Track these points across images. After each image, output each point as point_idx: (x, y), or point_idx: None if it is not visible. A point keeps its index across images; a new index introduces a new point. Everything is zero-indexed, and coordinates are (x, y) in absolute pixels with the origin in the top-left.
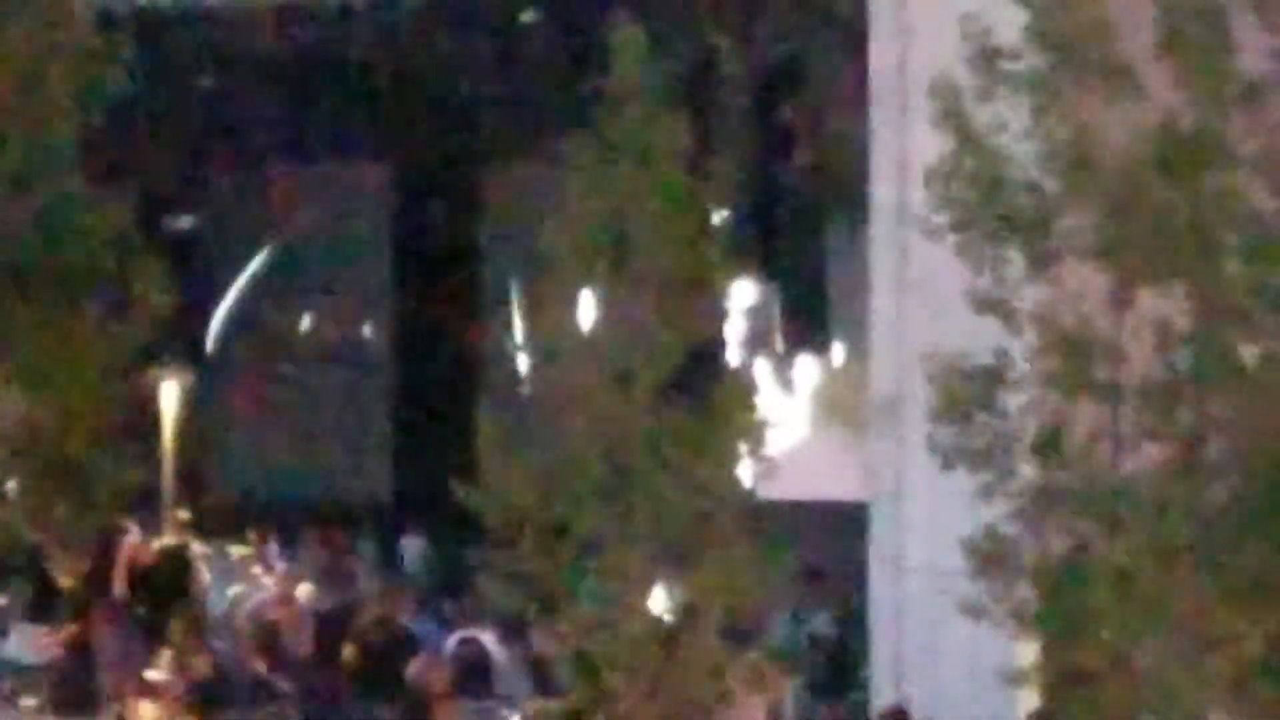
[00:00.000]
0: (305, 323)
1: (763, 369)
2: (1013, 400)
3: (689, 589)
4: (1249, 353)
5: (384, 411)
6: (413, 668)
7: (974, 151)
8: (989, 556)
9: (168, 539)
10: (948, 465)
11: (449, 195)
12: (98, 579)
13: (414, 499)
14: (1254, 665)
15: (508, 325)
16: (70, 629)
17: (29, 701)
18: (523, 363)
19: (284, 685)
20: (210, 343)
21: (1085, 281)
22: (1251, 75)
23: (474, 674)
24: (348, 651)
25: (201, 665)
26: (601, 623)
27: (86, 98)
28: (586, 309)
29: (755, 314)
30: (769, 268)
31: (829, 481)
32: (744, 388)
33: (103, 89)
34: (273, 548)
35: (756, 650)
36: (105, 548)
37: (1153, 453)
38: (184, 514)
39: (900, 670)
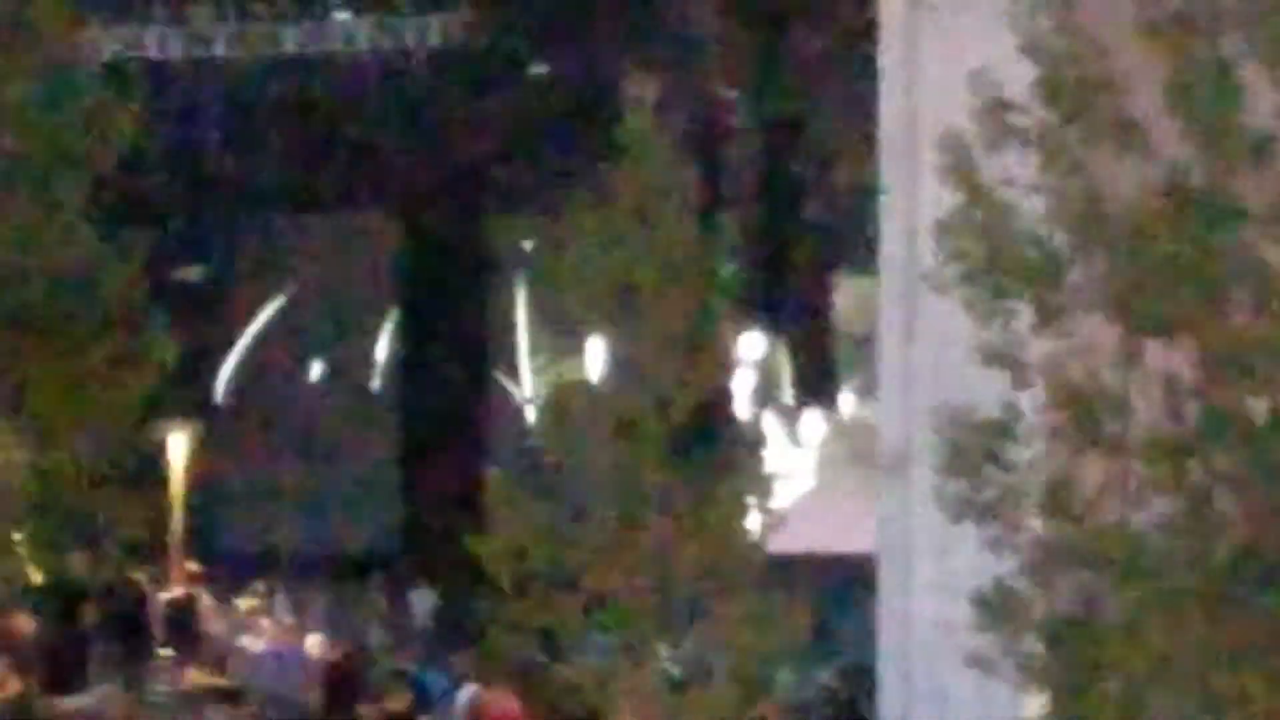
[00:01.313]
0: (314, 373)
1: (771, 422)
2: (1021, 454)
3: (698, 641)
4: (1257, 407)
5: (392, 461)
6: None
7: (982, 205)
8: (997, 609)
9: (176, 590)
10: (956, 518)
11: (456, 246)
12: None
13: (422, 550)
14: (1262, 717)
15: (517, 376)
16: None
17: None
18: (530, 414)
19: None
20: (219, 393)
21: (1093, 335)
22: (1260, 130)
23: None
24: (363, 709)
25: None
26: (610, 675)
27: (96, 148)
28: (594, 361)
29: (763, 367)
30: (777, 320)
31: (837, 534)
32: (752, 440)
33: (112, 140)
34: (280, 599)
35: (766, 702)
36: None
37: (1161, 507)
38: (193, 566)
39: None
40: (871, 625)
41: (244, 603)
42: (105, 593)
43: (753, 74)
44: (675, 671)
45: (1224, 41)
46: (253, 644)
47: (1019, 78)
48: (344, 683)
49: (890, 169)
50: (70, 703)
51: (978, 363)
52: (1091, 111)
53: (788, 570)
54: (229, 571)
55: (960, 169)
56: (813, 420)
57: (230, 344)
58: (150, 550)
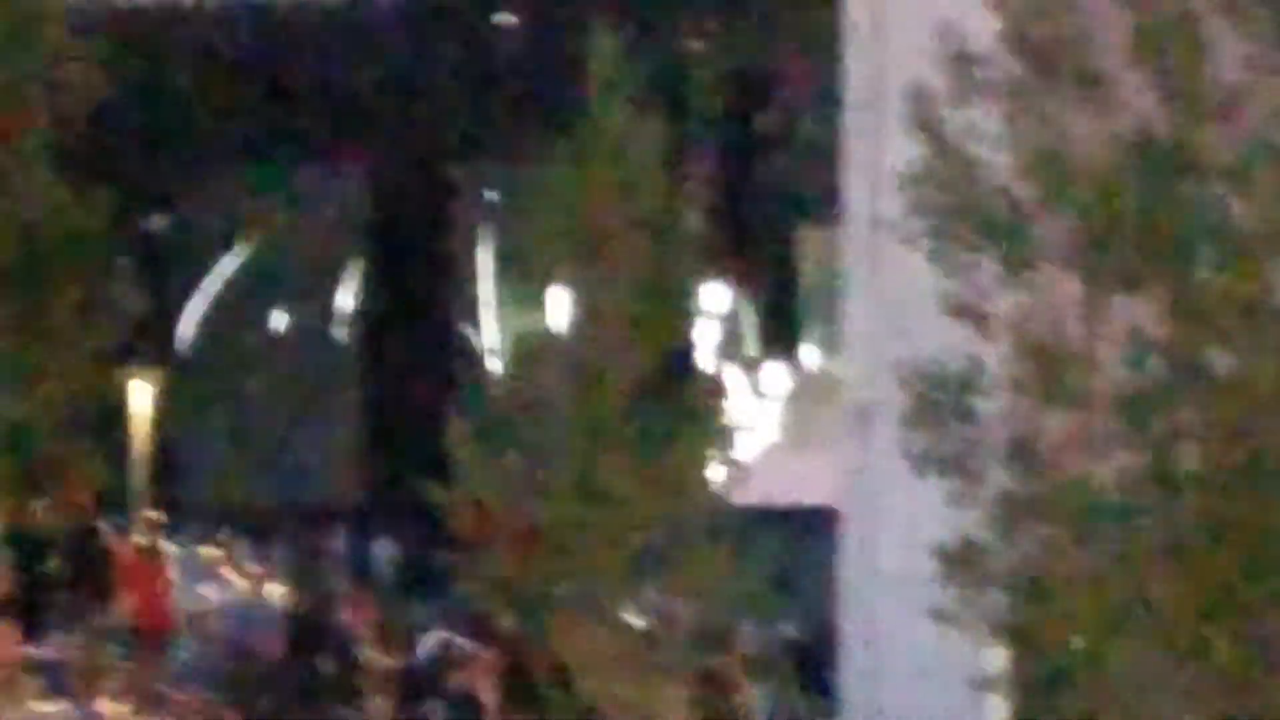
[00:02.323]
0: (277, 324)
1: (734, 374)
2: (985, 407)
3: (660, 593)
4: (1221, 361)
5: (355, 412)
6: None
7: (948, 158)
8: (960, 563)
9: (139, 539)
10: (920, 472)
11: (422, 197)
12: (74, 576)
13: (385, 501)
14: (1225, 674)
15: (480, 326)
16: None
17: None
18: (495, 364)
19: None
20: (182, 343)
21: (1058, 289)
22: (1226, 84)
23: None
24: (323, 658)
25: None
26: (572, 626)
27: (61, 99)
28: (558, 312)
29: (727, 319)
30: (741, 272)
31: (800, 487)
32: (715, 393)
33: (78, 90)
34: (243, 549)
35: (728, 655)
36: (79, 545)
37: (1124, 461)
38: (157, 515)
39: (871, 677)
40: (834, 578)
41: (206, 552)
42: (67, 541)
43: (718, 26)
44: (637, 623)
45: None
46: (215, 594)
47: (985, 30)
48: (306, 633)
49: (855, 121)
50: (30, 652)
51: (942, 316)
52: (1058, 65)
53: (750, 522)
54: (191, 521)
55: (926, 121)
56: (776, 373)
57: (194, 294)
58: (113, 500)
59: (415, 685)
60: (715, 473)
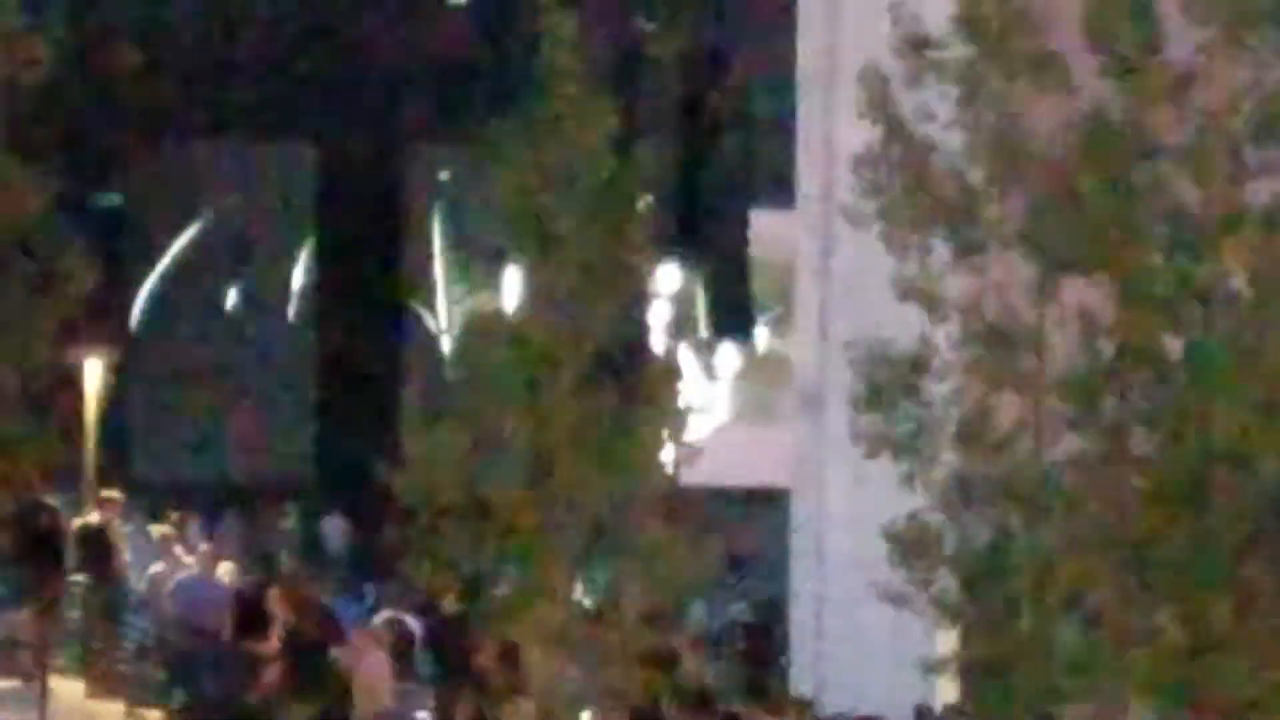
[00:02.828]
0: (229, 301)
1: (686, 355)
2: (936, 389)
3: (610, 573)
4: (1171, 344)
5: (307, 392)
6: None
7: (901, 140)
8: (910, 544)
9: (91, 516)
10: (871, 453)
11: (374, 175)
12: (20, 551)
13: (336, 479)
14: (1172, 655)
15: (431, 306)
16: None
17: None
18: (446, 343)
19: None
20: (135, 320)
21: (1010, 271)
22: (1178, 68)
23: (397, 655)
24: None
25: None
26: (523, 605)
27: (13, 73)
28: (511, 292)
29: (679, 299)
30: (694, 253)
31: (751, 468)
32: (668, 373)
33: (27, 65)
34: (194, 526)
35: (678, 634)
36: (29, 521)
37: (1074, 443)
38: (113, 493)
39: (820, 657)
40: (785, 559)
41: (157, 530)
42: (19, 518)
43: (671, 6)
44: (587, 602)
45: None
46: (166, 571)
47: (938, 13)
48: (255, 611)
49: (808, 103)
50: None
51: (894, 298)
52: (1011, 47)
53: (701, 502)
54: (143, 498)
55: (879, 103)
56: (728, 354)
57: (146, 271)
58: (64, 476)
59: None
60: (666, 453)
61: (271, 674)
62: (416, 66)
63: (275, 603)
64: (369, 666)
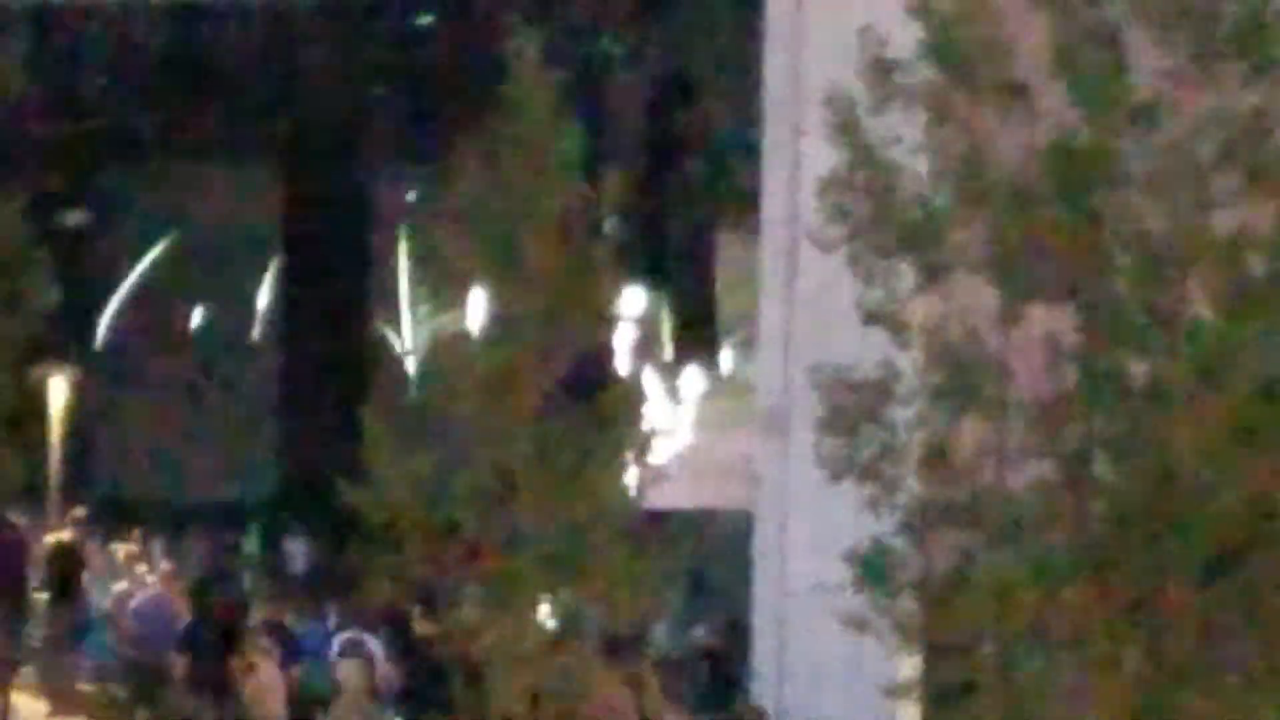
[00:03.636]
0: (194, 321)
1: (651, 377)
2: (900, 414)
3: (573, 595)
4: (1136, 371)
5: (270, 411)
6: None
7: (867, 164)
8: (873, 569)
9: (61, 534)
10: (834, 477)
11: (339, 196)
12: None
13: (298, 499)
14: (1134, 682)
15: (395, 326)
16: None
17: None
18: (410, 364)
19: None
20: (99, 339)
21: (975, 297)
22: (1144, 95)
23: None
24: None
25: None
26: (484, 627)
27: None
28: (475, 312)
29: (644, 322)
30: (658, 276)
31: (714, 490)
32: (631, 395)
33: None
34: (157, 545)
35: (639, 658)
36: None
37: (1038, 469)
38: (79, 512)
39: (782, 681)
40: (748, 582)
41: (122, 548)
42: None
43: (638, 30)
44: (550, 625)
45: (1109, 5)
46: (129, 591)
47: (906, 37)
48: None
49: (773, 126)
50: None
51: (858, 322)
52: (977, 73)
53: (664, 526)
54: (105, 516)
55: (845, 127)
56: (692, 377)
57: (111, 290)
58: (28, 494)
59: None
60: (630, 475)
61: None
62: (385, 86)
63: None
64: (259, 678)
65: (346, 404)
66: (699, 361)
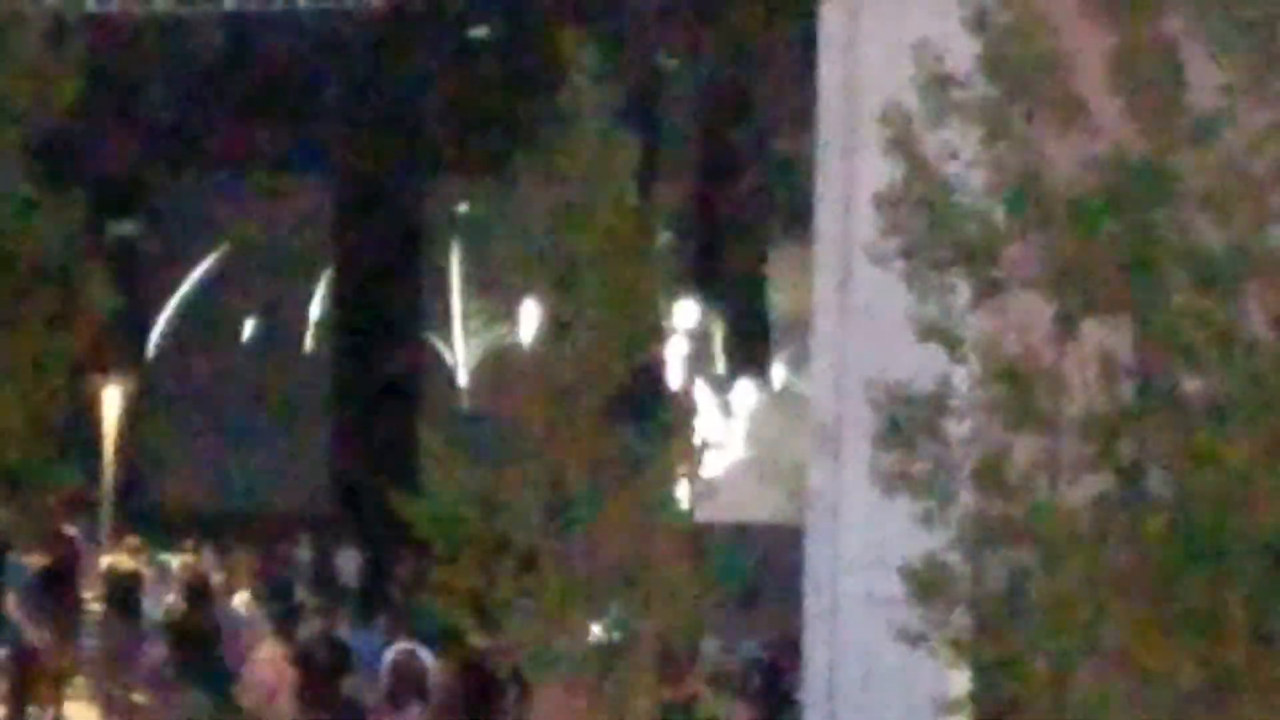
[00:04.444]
0: (248, 332)
1: (703, 391)
2: (955, 428)
3: (626, 610)
4: (1191, 387)
5: (322, 422)
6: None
7: (923, 179)
8: (927, 584)
9: (121, 559)
10: (889, 491)
11: (393, 208)
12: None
13: (351, 511)
14: (1189, 697)
15: (447, 338)
16: None
17: None
18: (462, 376)
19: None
20: (152, 350)
21: (1030, 312)
22: (1202, 110)
23: (410, 688)
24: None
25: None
26: (538, 641)
27: (38, 104)
28: (529, 326)
29: (697, 336)
30: (712, 289)
31: (767, 504)
32: (684, 409)
33: (54, 96)
34: (208, 557)
35: (693, 671)
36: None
37: (1093, 485)
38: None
39: (834, 696)
40: (800, 597)
41: (175, 560)
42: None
43: (693, 43)
44: (603, 639)
45: (1167, 20)
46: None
47: (962, 51)
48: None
49: (828, 141)
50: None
51: (912, 337)
52: (1034, 87)
53: (718, 539)
54: (159, 528)
55: (901, 142)
56: (745, 390)
57: (165, 301)
58: (82, 505)
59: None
60: (683, 489)
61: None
62: (439, 98)
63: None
64: (266, 675)
65: (399, 415)
66: (752, 375)
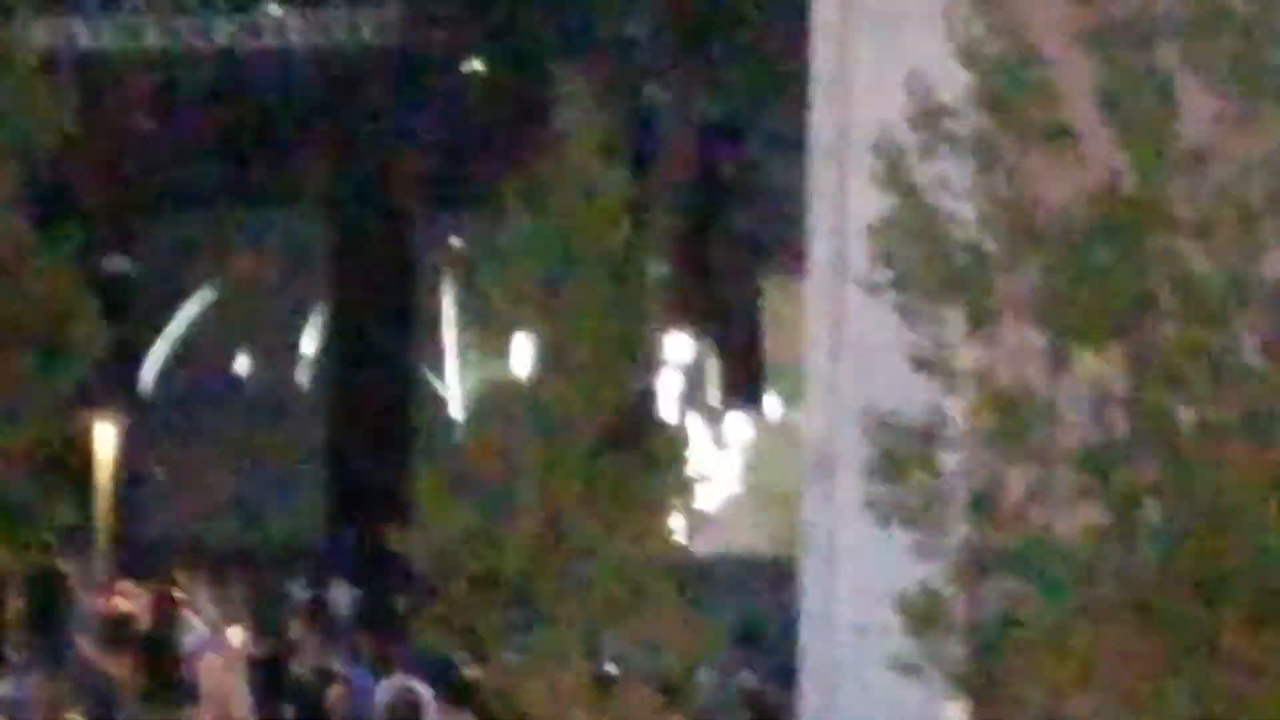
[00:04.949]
0: (240, 366)
1: (696, 423)
2: (948, 459)
3: (621, 642)
4: (1186, 417)
5: (315, 456)
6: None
7: (915, 210)
8: (921, 614)
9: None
10: (882, 522)
11: (385, 242)
12: (38, 620)
13: (344, 543)
14: None
15: (440, 371)
16: None
17: None
18: (456, 409)
19: None
20: (145, 385)
21: (1023, 342)
22: (1194, 139)
23: None
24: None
25: None
26: (533, 674)
27: (29, 140)
28: (522, 358)
29: (689, 368)
30: (704, 322)
31: (760, 536)
32: (678, 442)
33: (45, 131)
34: (202, 591)
35: (687, 705)
36: (44, 588)
37: (1087, 515)
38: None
39: None
40: (794, 628)
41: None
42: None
43: (684, 76)
44: (598, 671)
45: (1159, 50)
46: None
47: (953, 82)
48: (267, 677)
49: (820, 172)
50: None
51: (905, 367)
52: (1026, 117)
53: (711, 572)
54: (152, 562)
55: (893, 172)
56: (738, 422)
57: (157, 336)
58: (74, 541)
59: None
60: (677, 522)
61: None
62: (430, 132)
63: None
64: (216, 679)
65: (392, 449)
66: (745, 407)
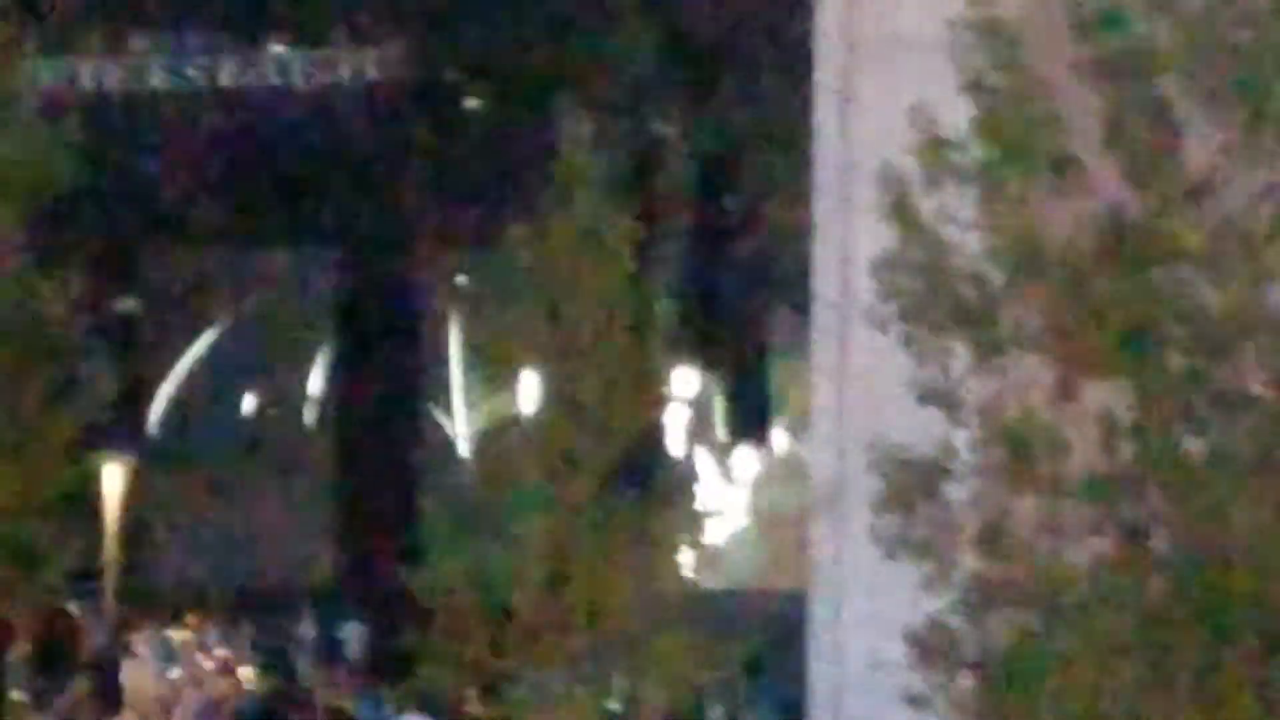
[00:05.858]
0: (247, 407)
1: (704, 458)
2: (956, 491)
3: (630, 678)
4: (1192, 447)
5: (324, 496)
6: None
7: (920, 242)
8: (930, 647)
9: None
10: (890, 555)
11: (391, 281)
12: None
13: (353, 583)
14: None
15: (448, 410)
16: None
17: None
18: (464, 448)
19: None
20: (153, 425)
21: (1030, 374)
22: (1198, 170)
23: None
24: None
25: None
26: (543, 710)
27: (34, 182)
28: (529, 396)
29: (697, 403)
30: (711, 356)
31: (769, 571)
32: (685, 477)
33: (50, 172)
34: (212, 631)
35: None
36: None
37: (1095, 546)
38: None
39: None
40: (804, 662)
41: (176, 635)
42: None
43: (688, 111)
44: (607, 707)
45: (1161, 81)
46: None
47: (957, 113)
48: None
49: (825, 205)
50: None
51: (911, 400)
52: (1030, 149)
53: (721, 606)
54: (161, 603)
55: (898, 205)
56: (745, 457)
57: (164, 376)
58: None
59: None
60: (685, 556)
61: None
62: (435, 171)
63: None
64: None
65: (400, 488)
66: (752, 442)
